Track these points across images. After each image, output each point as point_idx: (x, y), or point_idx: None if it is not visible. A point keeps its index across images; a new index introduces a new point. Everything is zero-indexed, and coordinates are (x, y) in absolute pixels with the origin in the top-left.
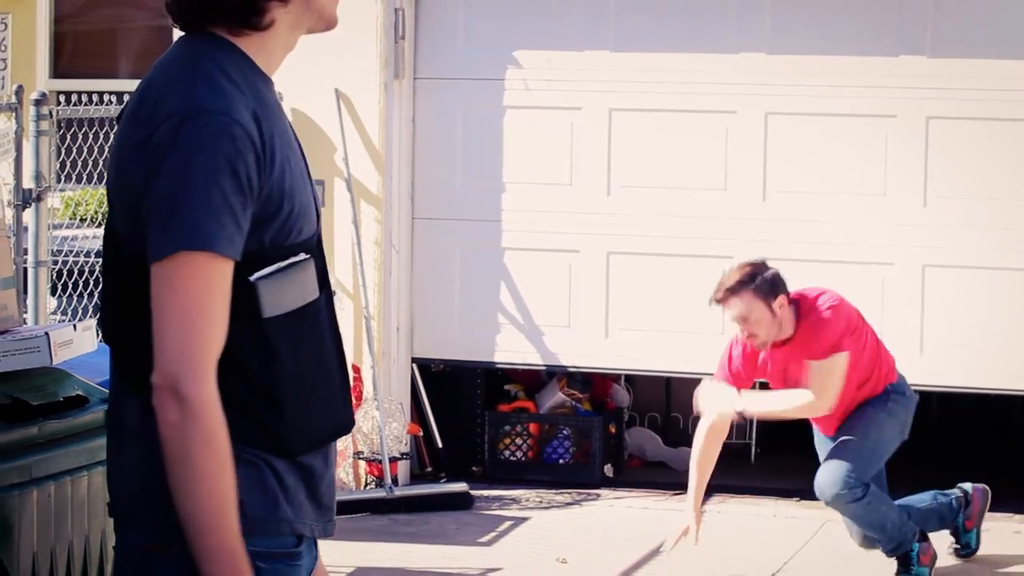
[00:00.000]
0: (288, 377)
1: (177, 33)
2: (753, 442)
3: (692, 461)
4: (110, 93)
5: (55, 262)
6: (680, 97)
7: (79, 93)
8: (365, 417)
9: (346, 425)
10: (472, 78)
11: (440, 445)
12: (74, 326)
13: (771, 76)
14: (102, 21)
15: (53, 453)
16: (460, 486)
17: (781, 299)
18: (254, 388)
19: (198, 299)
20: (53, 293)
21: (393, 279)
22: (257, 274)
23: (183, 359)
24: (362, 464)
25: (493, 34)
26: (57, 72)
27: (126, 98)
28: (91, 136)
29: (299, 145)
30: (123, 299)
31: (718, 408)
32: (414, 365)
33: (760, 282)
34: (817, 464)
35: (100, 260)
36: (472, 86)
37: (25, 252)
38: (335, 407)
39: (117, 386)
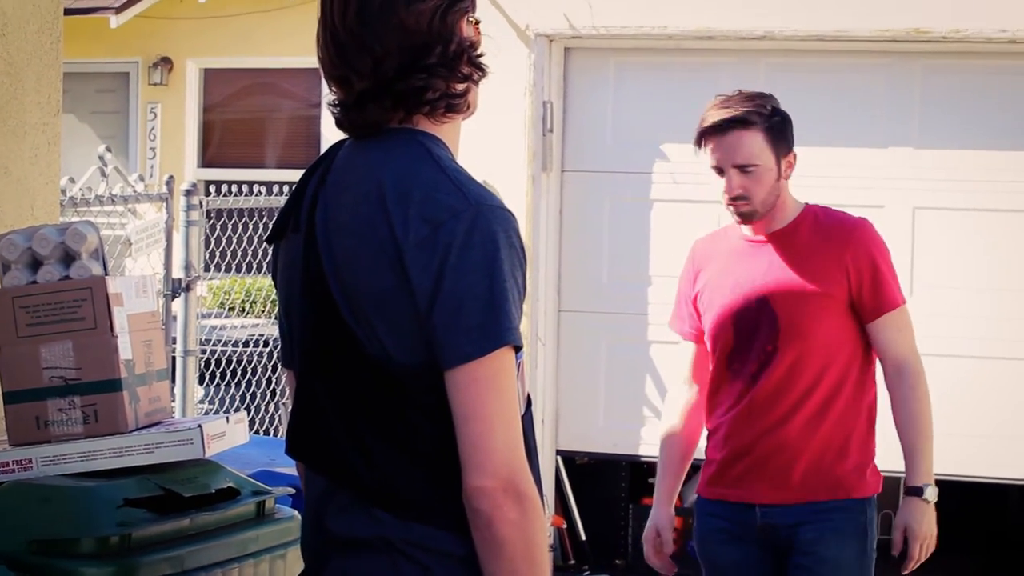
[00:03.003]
0: (535, 472)
1: (327, 125)
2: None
3: (661, 436)
4: (258, 183)
5: (202, 351)
6: (828, 191)
7: (227, 183)
8: None
9: None
10: (619, 171)
11: (584, 538)
12: (227, 418)
13: (919, 170)
14: (249, 110)
15: (205, 545)
16: None
17: (791, 157)
18: None
19: (512, 396)
20: (200, 382)
21: (539, 371)
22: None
23: (514, 457)
24: None
25: (641, 127)
26: (205, 161)
27: (275, 189)
28: (240, 226)
29: None
30: (358, 407)
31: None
32: (558, 457)
33: (776, 121)
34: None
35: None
36: (619, 179)
37: (173, 341)
38: None
39: (327, 499)
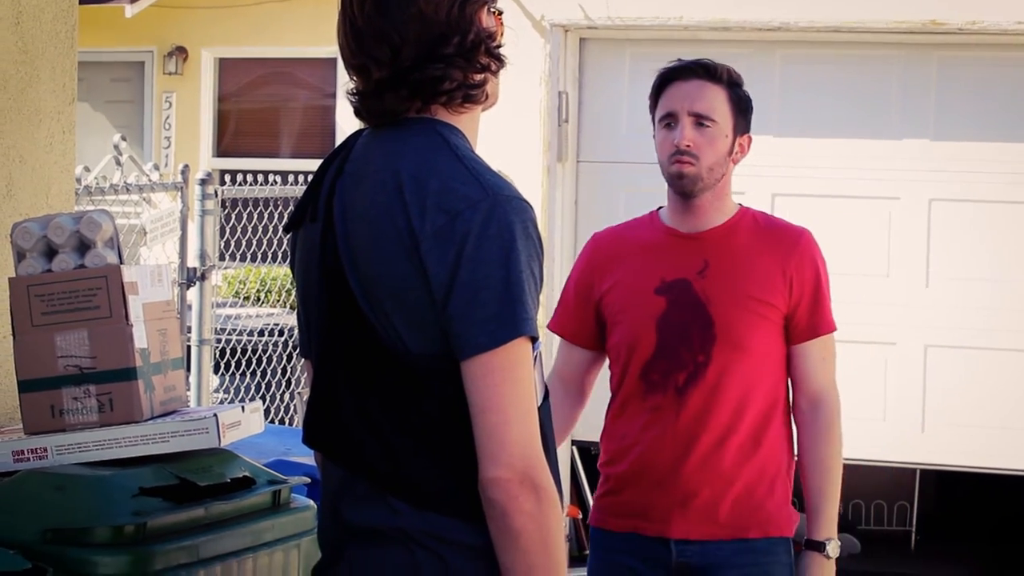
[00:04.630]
0: (552, 462)
1: (342, 115)
2: (914, 528)
3: None
4: (273, 173)
5: (217, 340)
6: (844, 183)
7: (242, 172)
8: None
9: None
10: (634, 161)
11: None
12: (242, 407)
13: (935, 162)
14: (264, 100)
15: (219, 534)
16: None
17: (746, 141)
18: None
19: (529, 387)
20: (216, 371)
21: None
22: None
23: (530, 448)
24: None
25: None
26: (220, 151)
27: (290, 178)
28: (255, 215)
29: None
30: (375, 396)
31: None
32: (574, 448)
33: (741, 93)
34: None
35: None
36: (634, 169)
37: (188, 330)
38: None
39: (344, 488)
